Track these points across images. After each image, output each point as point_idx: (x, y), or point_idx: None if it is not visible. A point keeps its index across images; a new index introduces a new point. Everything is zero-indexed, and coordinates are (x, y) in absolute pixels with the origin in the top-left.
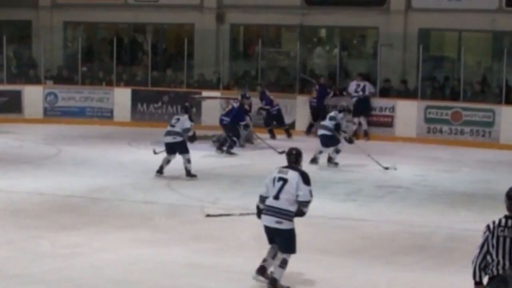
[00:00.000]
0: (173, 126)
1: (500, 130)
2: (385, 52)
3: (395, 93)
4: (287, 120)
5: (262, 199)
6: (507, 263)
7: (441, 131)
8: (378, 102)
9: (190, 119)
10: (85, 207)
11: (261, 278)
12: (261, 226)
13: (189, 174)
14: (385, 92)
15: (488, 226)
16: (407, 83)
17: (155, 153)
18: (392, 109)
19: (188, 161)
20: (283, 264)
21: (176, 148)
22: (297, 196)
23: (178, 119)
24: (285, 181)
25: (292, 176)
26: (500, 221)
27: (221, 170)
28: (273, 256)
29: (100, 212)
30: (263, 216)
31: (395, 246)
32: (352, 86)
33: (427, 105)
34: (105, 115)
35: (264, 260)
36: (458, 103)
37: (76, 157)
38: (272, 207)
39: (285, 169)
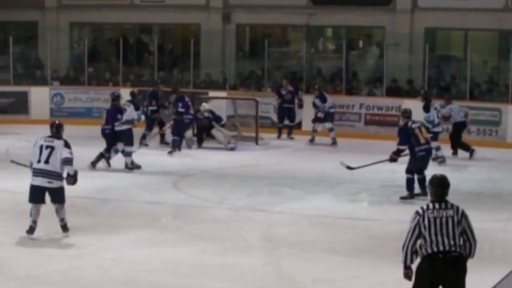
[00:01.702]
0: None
1: (507, 129)
2: (391, 52)
3: (401, 93)
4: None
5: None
6: (439, 239)
7: (447, 130)
8: (384, 102)
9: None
10: (91, 207)
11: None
12: (269, 227)
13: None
14: (392, 92)
15: (417, 212)
16: (413, 83)
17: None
18: (399, 108)
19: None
20: None
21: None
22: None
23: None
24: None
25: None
26: (428, 205)
27: (227, 170)
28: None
29: (107, 213)
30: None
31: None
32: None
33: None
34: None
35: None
36: (464, 102)
37: (82, 157)
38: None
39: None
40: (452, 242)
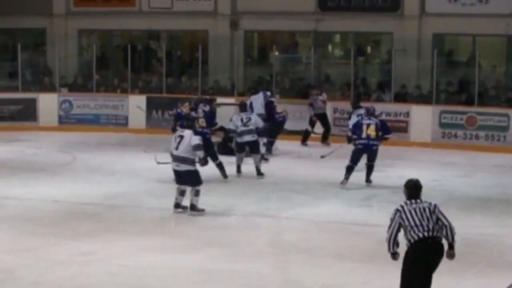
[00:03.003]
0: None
1: None
2: (399, 57)
3: (409, 99)
4: (301, 126)
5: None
6: (424, 223)
7: (456, 136)
8: (392, 108)
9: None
10: (100, 214)
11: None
12: (277, 233)
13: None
14: (400, 98)
15: (397, 209)
16: (421, 88)
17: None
18: (407, 114)
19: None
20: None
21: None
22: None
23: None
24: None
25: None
26: (405, 203)
27: (236, 176)
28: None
29: (115, 219)
30: None
31: None
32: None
33: (441, 110)
34: (120, 122)
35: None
36: (472, 108)
37: (91, 164)
38: None
39: None
40: (433, 227)
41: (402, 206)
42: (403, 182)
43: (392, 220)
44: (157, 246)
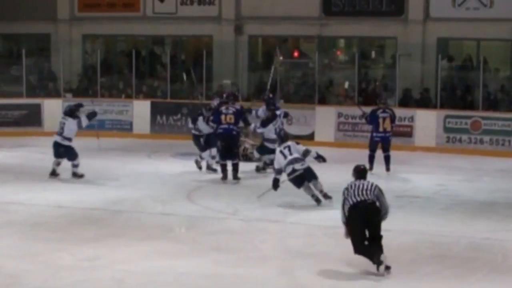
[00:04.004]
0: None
1: None
2: (404, 62)
3: (414, 103)
4: (306, 131)
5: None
6: (359, 193)
7: (460, 140)
8: (397, 112)
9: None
10: (105, 219)
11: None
12: (282, 238)
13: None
14: (405, 102)
15: (345, 187)
16: (429, 92)
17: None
18: (411, 118)
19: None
20: None
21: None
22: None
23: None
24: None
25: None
26: (351, 182)
27: (240, 181)
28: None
29: (120, 225)
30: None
31: (416, 256)
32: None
33: (446, 114)
34: (125, 128)
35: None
36: (477, 112)
37: (95, 169)
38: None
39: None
40: (368, 196)
41: (349, 184)
42: (408, 187)
43: (343, 196)
44: (162, 251)
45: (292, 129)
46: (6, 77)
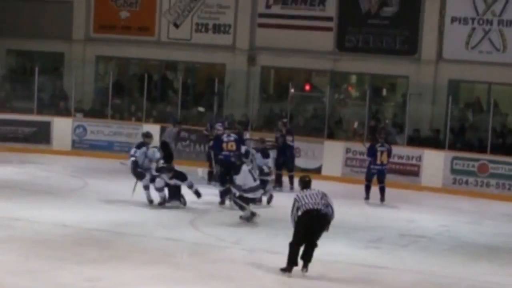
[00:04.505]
0: None
1: None
2: (414, 101)
3: (422, 143)
4: (314, 164)
5: None
6: (312, 201)
7: (467, 182)
8: (405, 151)
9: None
10: (108, 241)
11: None
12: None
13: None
14: (413, 141)
15: (295, 198)
16: (440, 132)
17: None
18: (419, 158)
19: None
20: None
21: None
22: None
23: None
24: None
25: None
26: (300, 192)
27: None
28: None
29: (123, 247)
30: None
31: None
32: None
33: (454, 156)
34: None
35: None
36: (485, 155)
37: (102, 190)
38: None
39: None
40: (319, 206)
41: (297, 195)
42: (412, 226)
43: (293, 205)
44: (163, 276)
45: (300, 162)
46: (18, 94)
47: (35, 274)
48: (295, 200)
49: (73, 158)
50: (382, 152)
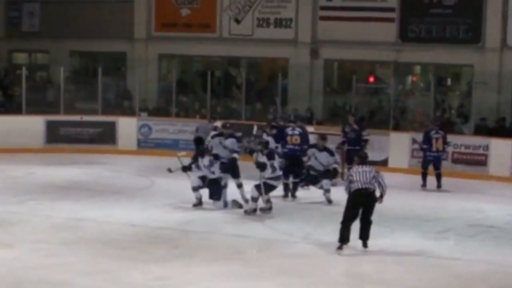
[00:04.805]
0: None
1: None
2: (479, 90)
3: (489, 132)
4: (381, 156)
5: None
6: (362, 180)
7: None
8: (472, 141)
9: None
10: (176, 239)
11: None
12: (353, 263)
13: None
14: (480, 131)
15: (350, 172)
16: (505, 121)
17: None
18: (486, 147)
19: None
20: None
21: None
22: None
23: None
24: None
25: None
26: (356, 167)
27: (313, 205)
28: None
29: (191, 245)
30: None
31: (487, 286)
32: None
33: None
34: None
35: None
36: None
37: (168, 189)
38: None
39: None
40: (368, 182)
41: (353, 169)
42: (480, 216)
43: (347, 177)
44: (231, 273)
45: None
46: (82, 94)
47: (104, 275)
48: (349, 174)
49: (139, 157)
50: (437, 139)
